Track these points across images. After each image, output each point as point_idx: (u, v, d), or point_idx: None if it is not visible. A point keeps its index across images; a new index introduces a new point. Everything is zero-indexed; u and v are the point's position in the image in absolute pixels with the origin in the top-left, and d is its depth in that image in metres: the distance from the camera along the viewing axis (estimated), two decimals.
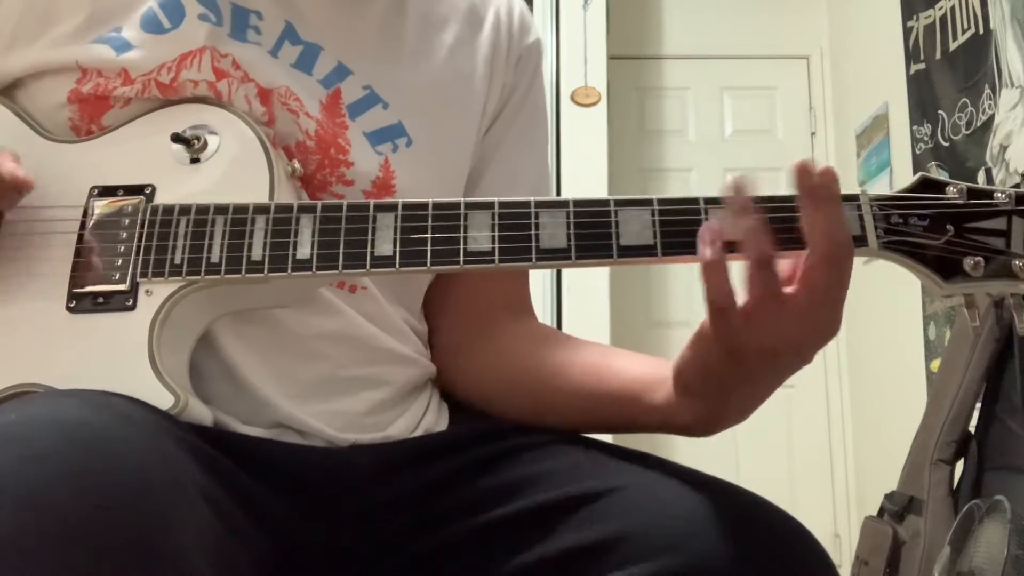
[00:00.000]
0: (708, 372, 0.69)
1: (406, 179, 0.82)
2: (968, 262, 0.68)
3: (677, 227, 0.68)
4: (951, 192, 0.69)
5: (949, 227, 0.68)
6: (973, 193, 0.69)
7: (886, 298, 3.38)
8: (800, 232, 0.66)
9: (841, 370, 3.87)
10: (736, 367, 0.67)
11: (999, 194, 0.69)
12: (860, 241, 0.68)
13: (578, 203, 0.69)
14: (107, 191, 0.72)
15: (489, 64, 0.90)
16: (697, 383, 0.71)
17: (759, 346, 0.66)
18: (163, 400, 0.65)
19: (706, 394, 0.71)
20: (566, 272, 3.22)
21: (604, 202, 0.69)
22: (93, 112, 0.76)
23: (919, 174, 0.71)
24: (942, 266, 0.68)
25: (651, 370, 0.76)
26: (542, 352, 0.84)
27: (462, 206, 0.70)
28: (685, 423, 0.74)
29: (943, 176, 0.70)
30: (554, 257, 0.68)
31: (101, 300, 0.69)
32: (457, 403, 0.88)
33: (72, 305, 0.69)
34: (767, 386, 0.70)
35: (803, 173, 0.65)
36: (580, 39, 3.44)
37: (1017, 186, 0.70)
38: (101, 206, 0.72)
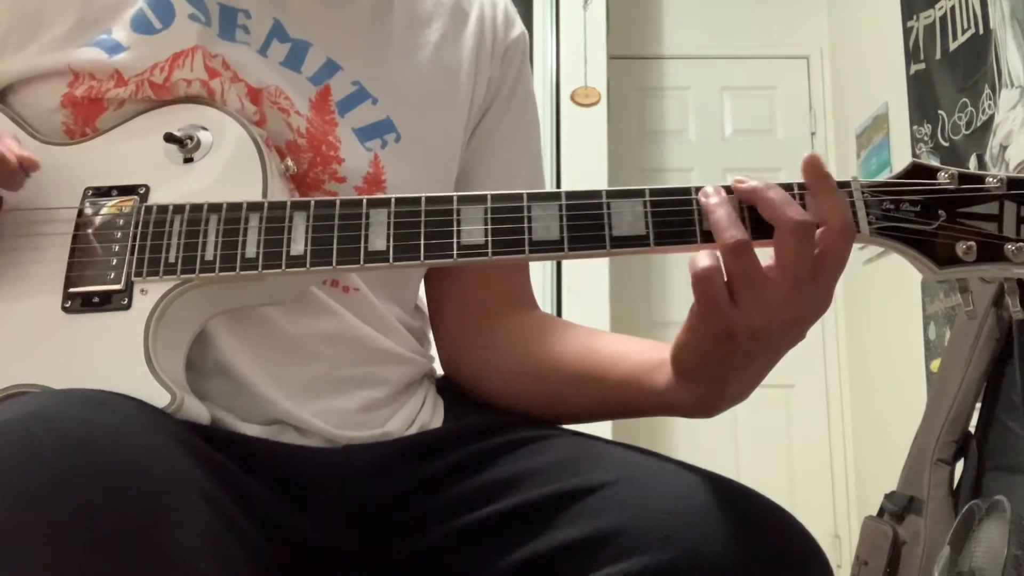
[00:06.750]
0: (704, 356, 0.70)
1: (396, 175, 0.82)
2: (960, 247, 0.68)
3: (669, 217, 0.69)
4: (942, 178, 0.69)
5: (941, 212, 0.69)
6: (964, 178, 0.69)
7: (886, 298, 3.38)
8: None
9: (841, 370, 3.87)
10: (730, 349, 0.68)
11: (990, 179, 0.69)
12: None
13: (570, 195, 0.69)
14: (101, 192, 0.72)
15: (475, 58, 0.90)
16: (694, 367, 0.71)
17: (749, 327, 0.66)
18: (159, 398, 0.65)
19: (705, 377, 0.71)
20: (566, 272, 3.21)
21: (596, 193, 0.69)
22: (87, 115, 0.76)
23: (910, 160, 0.71)
24: (935, 251, 0.68)
25: (651, 355, 0.76)
26: (544, 344, 0.85)
27: (455, 200, 0.70)
28: (687, 406, 0.74)
29: (934, 163, 0.70)
30: (547, 249, 0.68)
31: (96, 300, 0.69)
32: (455, 397, 0.88)
33: (67, 305, 0.69)
34: (764, 365, 0.70)
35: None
36: (580, 39, 3.45)
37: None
38: (95, 207, 0.72)
